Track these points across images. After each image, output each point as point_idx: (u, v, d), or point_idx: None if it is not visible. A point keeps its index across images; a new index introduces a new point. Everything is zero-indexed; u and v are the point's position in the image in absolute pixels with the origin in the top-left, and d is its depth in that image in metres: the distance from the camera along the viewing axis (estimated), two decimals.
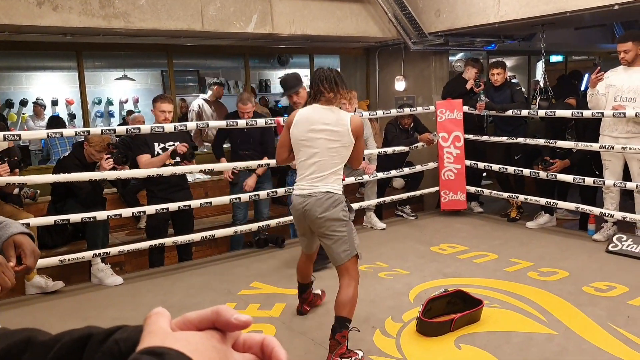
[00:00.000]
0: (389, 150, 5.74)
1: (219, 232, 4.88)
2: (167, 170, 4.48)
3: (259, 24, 5.64)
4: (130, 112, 8.07)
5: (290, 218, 5.21)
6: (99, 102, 8.72)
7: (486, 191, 6.02)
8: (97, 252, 4.26)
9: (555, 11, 5.27)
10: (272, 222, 5.06)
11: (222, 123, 4.93)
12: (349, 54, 8.17)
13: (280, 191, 5.13)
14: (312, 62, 8.17)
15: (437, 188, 6.09)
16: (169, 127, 4.43)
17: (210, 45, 6.73)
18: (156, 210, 4.45)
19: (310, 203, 2.94)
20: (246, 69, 7.71)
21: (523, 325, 3.26)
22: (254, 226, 4.99)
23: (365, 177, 5.55)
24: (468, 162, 5.91)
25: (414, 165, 6.08)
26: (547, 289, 3.80)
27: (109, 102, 8.83)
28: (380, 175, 5.66)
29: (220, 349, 0.48)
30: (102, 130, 4.59)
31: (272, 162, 4.72)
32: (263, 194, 5.04)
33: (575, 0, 5.10)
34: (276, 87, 9.90)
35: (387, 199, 5.88)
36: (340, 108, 3.13)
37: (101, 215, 4.26)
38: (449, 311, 3.29)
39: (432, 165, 6.03)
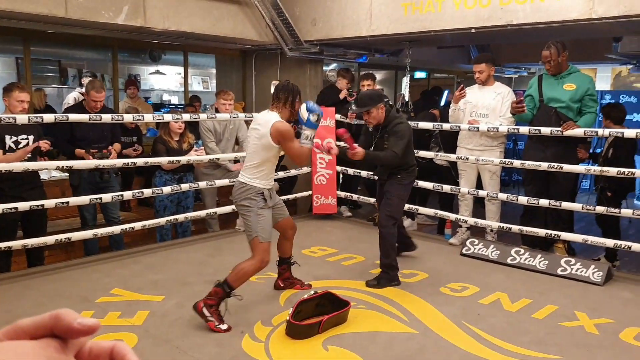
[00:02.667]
0: None
1: (76, 235, 4.50)
2: (18, 167, 4.05)
3: (130, 15, 5.35)
4: None
5: (157, 221, 4.99)
6: None
7: (355, 196, 6.25)
8: None
9: (421, 29, 5.63)
10: (137, 225, 4.80)
11: (86, 116, 4.54)
12: (226, 54, 8.06)
13: (147, 192, 4.89)
14: (186, 59, 7.93)
15: (309, 192, 6.20)
16: (22, 119, 4.01)
17: (74, 34, 6.22)
18: (3, 210, 4.00)
19: (233, 189, 3.50)
20: (114, 62, 7.27)
21: (387, 325, 3.41)
22: (116, 229, 4.69)
23: None
24: (339, 168, 6.10)
25: (288, 170, 6.13)
26: (408, 290, 4.02)
27: None
28: None
29: (58, 359, 0.41)
30: None
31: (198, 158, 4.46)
32: (128, 194, 4.77)
33: (438, 21, 5.49)
34: (147, 83, 9.44)
35: None
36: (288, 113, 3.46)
37: None
38: (318, 313, 3.34)
39: (305, 170, 6.13)
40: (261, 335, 3.22)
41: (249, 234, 3.38)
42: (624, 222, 5.33)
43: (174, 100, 9.61)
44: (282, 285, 3.96)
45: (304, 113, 3.37)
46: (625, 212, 4.48)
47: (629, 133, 4.46)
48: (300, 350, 3.06)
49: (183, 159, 5.02)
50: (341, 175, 6.19)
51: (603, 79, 12.33)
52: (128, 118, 4.74)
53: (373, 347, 3.11)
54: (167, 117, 5.04)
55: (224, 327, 3.23)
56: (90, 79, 6.96)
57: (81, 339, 0.43)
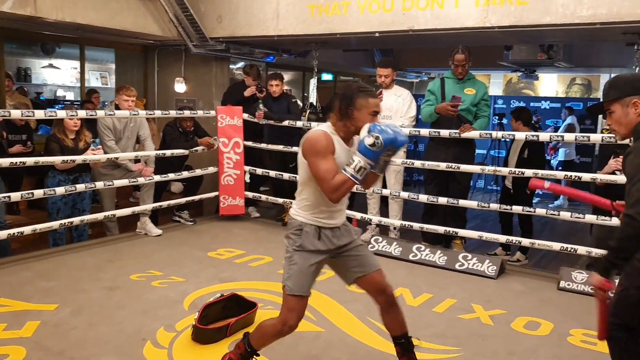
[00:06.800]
0: (168, 152, 5.53)
1: None
2: None
3: (18, 3, 4.94)
4: None
5: (49, 224, 4.66)
6: None
7: (263, 197, 6.20)
8: None
9: (327, 31, 5.70)
10: (27, 229, 4.44)
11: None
12: (126, 49, 7.70)
13: (38, 193, 4.53)
14: (82, 53, 7.50)
15: (216, 193, 6.06)
16: None
17: None
18: None
19: None
20: (0, 53, 6.70)
21: None
22: (2, 234, 4.31)
23: (141, 180, 5.26)
24: (247, 168, 6.02)
25: (193, 169, 5.96)
26: (315, 288, 3.95)
27: None
28: (158, 178, 5.41)
29: None
30: None
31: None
32: (16, 195, 4.41)
33: (344, 24, 5.58)
34: (38, 78, 8.80)
35: (164, 203, 5.64)
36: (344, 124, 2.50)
37: None
38: (225, 316, 3.27)
39: (212, 169, 5.98)
40: (164, 341, 3.09)
41: (284, 281, 2.71)
42: (515, 221, 5.71)
43: (70, 96, 9.03)
44: None
45: (363, 132, 2.41)
46: (516, 208, 4.80)
47: (519, 136, 4.79)
48: (206, 355, 2.97)
49: (79, 158, 4.71)
50: (249, 175, 6.11)
51: (496, 84, 13.20)
52: (16, 114, 4.38)
53: (279, 347, 3.08)
54: (61, 114, 4.72)
55: None
56: None
57: None
